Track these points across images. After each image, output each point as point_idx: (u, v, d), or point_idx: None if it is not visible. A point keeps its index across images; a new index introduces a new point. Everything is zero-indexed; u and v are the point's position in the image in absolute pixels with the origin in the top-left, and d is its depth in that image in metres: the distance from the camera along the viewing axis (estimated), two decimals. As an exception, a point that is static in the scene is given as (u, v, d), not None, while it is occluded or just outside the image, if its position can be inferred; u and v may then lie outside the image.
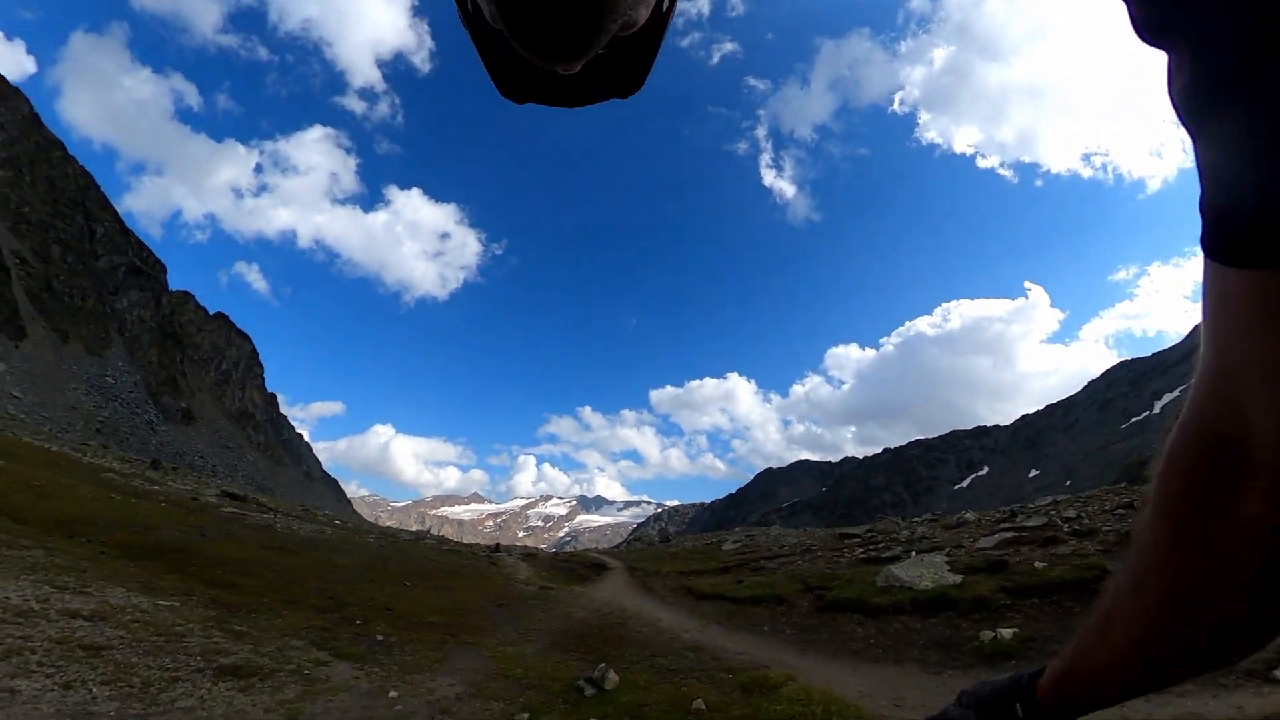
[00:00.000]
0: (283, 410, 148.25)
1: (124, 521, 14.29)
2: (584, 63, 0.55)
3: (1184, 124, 0.40)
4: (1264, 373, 0.38)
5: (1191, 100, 0.38)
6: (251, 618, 8.77)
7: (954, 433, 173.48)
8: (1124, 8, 0.38)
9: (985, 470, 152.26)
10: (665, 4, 0.61)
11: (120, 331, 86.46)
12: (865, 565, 15.33)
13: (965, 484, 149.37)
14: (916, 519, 25.69)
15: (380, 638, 8.77)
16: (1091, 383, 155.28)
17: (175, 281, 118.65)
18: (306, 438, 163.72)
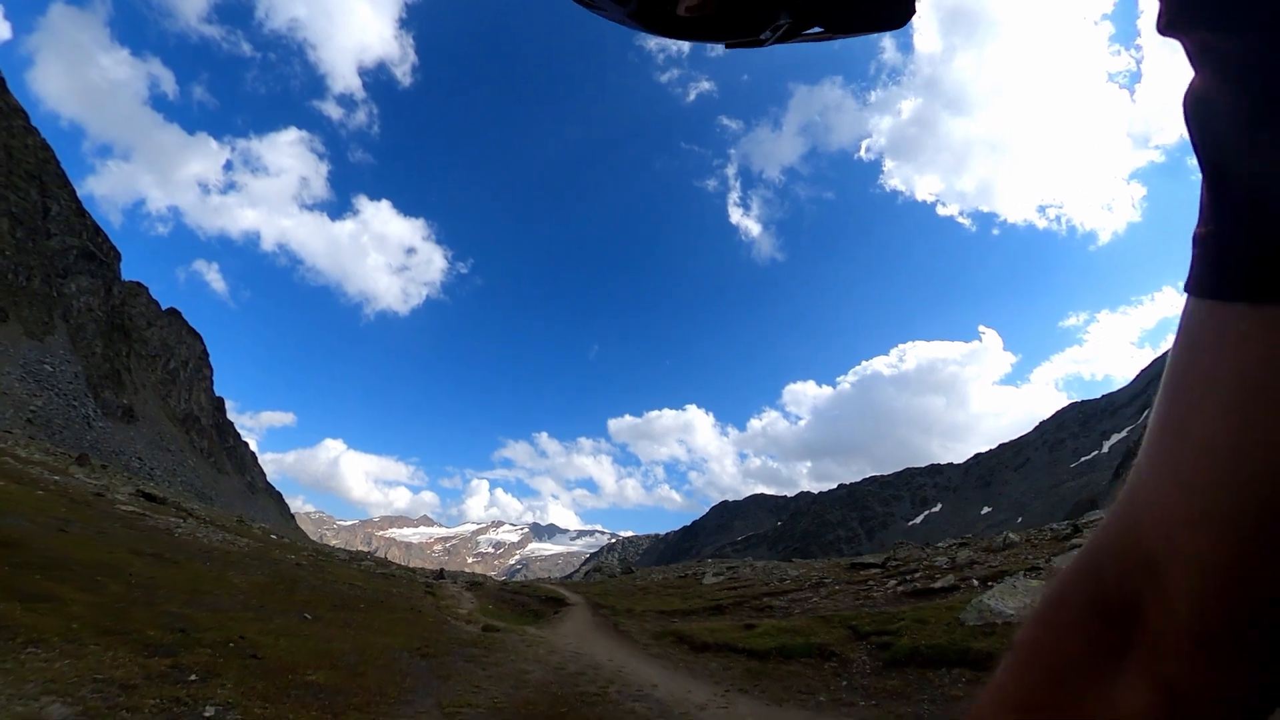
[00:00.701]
0: (230, 417, 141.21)
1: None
2: None
3: (1200, 130, 0.33)
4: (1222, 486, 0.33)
5: (1232, 105, 0.33)
6: (28, 652, 5.68)
7: (908, 470, 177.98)
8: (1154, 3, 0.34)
9: (939, 507, 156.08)
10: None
11: (65, 318, 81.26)
12: (919, 600, 12.79)
13: (919, 520, 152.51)
14: (941, 544, 23.10)
15: (209, 712, 5.30)
16: (1042, 423, 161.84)
17: (129, 272, 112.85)
18: (254, 447, 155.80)
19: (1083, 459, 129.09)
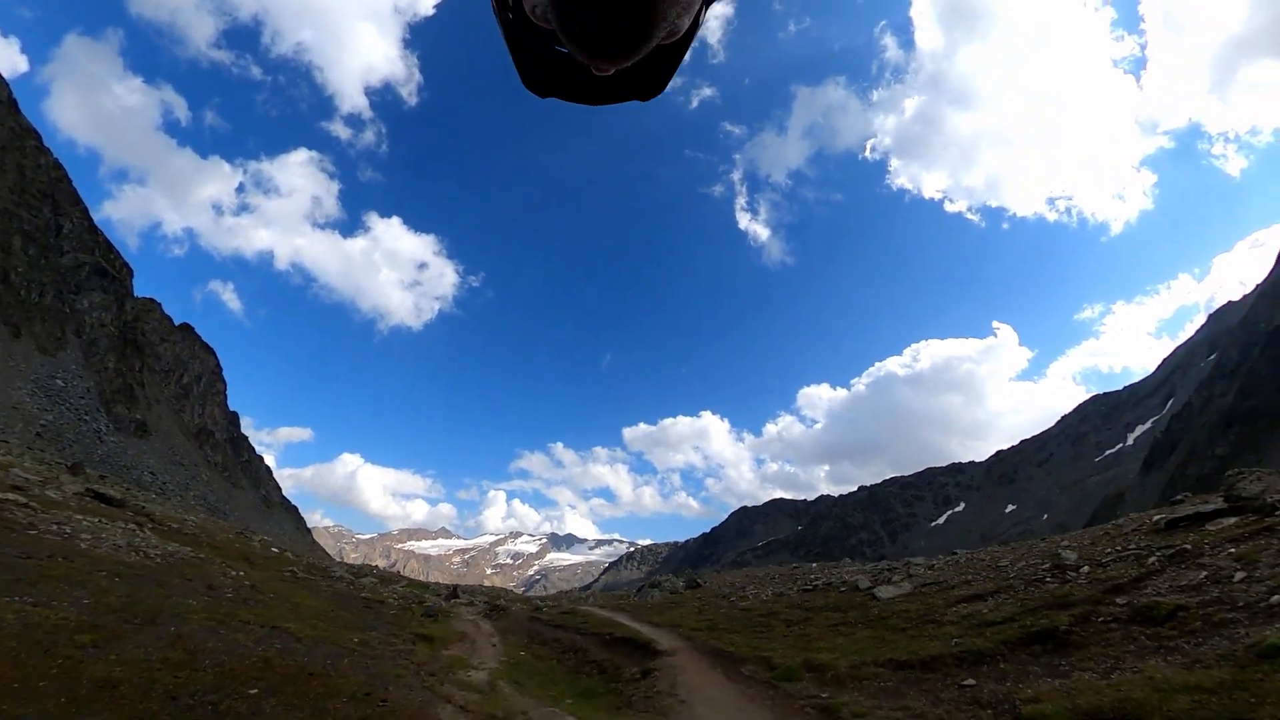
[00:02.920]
0: (246, 432, 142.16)
1: None
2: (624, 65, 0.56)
3: None
4: None
5: None
6: None
7: (929, 470, 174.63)
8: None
9: (962, 506, 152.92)
10: (702, 16, 0.62)
11: (77, 333, 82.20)
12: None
13: (942, 520, 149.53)
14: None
15: None
16: (1065, 417, 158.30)
17: (145, 291, 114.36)
18: (271, 462, 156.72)
19: (1107, 452, 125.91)
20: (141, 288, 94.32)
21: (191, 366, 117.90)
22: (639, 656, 14.17)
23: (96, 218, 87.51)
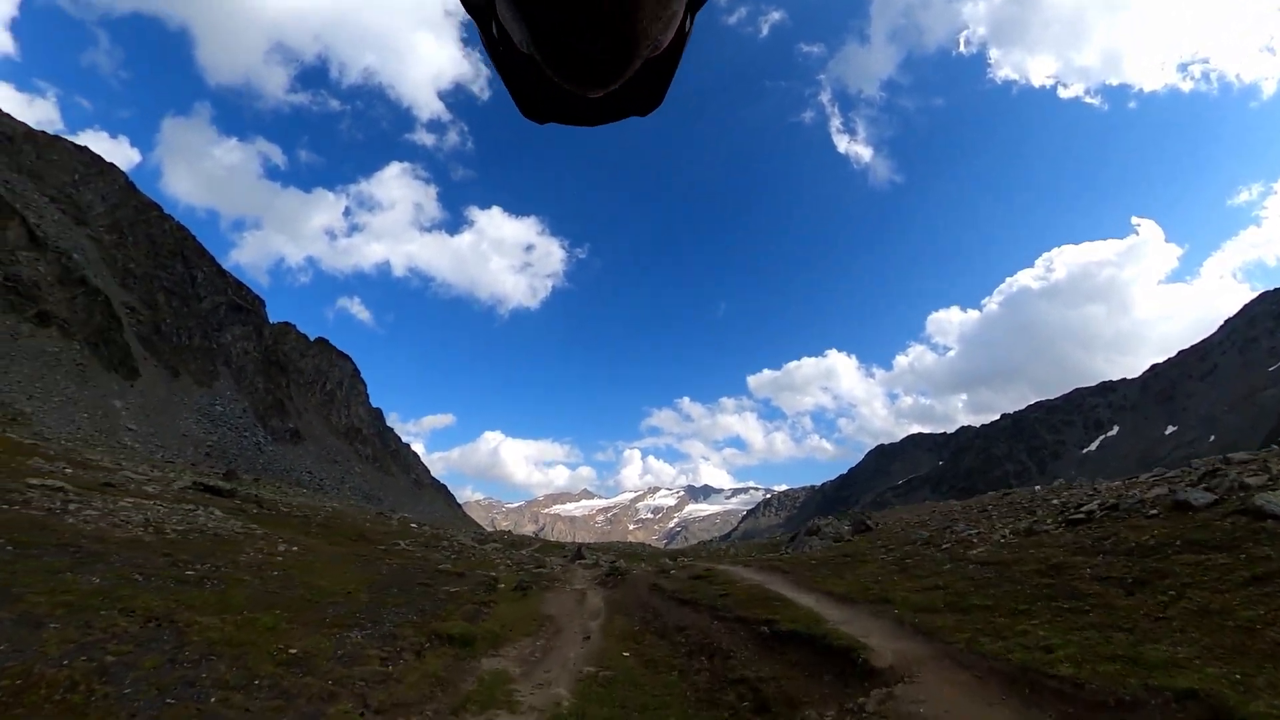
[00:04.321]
0: (393, 425, 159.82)
1: None
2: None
3: None
4: None
5: None
6: None
7: (1077, 391, 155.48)
8: None
9: (1115, 430, 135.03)
10: (687, 24, 0.62)
11: (226, 364, 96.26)
12: None
13: (1094, 446, 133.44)
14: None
15: None
16: (1229, 321, 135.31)
17: (281, 317, 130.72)
18: (420, 449, 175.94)
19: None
20: (277, 315, 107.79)
21: (332, 374, 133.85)
22: (836, 676, 7.85)
23: (226, 265, 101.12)
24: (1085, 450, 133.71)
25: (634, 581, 19.59)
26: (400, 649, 9.82)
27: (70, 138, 78.30)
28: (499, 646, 11.39)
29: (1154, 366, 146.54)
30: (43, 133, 70.49)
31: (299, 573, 13.72)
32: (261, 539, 17.73)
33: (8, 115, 67.72)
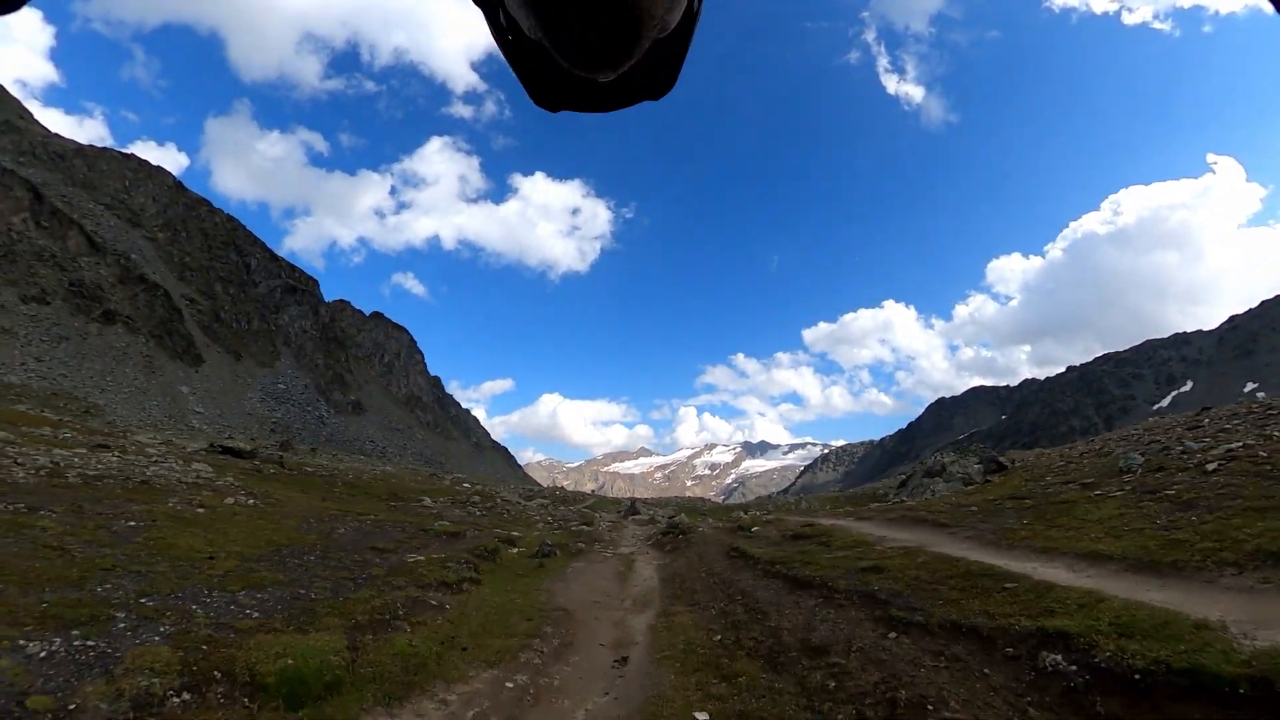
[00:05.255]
0: (453, 392, 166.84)
1: None
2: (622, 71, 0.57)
3: None
4: None
5: None
6: None
7: (1149, 343, 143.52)
8: None
9: (1189, 385, 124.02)
10: (695, 4, 0.62)
11: (286, 343, 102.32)
12: None
13: (1166, 402, 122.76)
14: None
15: None
16: None
17: (339, 296, 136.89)
18: (481, 414, 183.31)
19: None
20: (334, 295, 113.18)
21: (389, 346, 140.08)
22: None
23: (280, 253, 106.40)
24: (1156, 406, 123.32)
25: (702, 543, 15.40)
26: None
27: (119, 149, 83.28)
28: (406, 697, 5.90)
29: (1233, 318, 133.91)
30: (90, 146, 75.52)
31: (195, 528, 10.67)
32: (222, 490, 15.53)
33: (57, 135, 72.86)
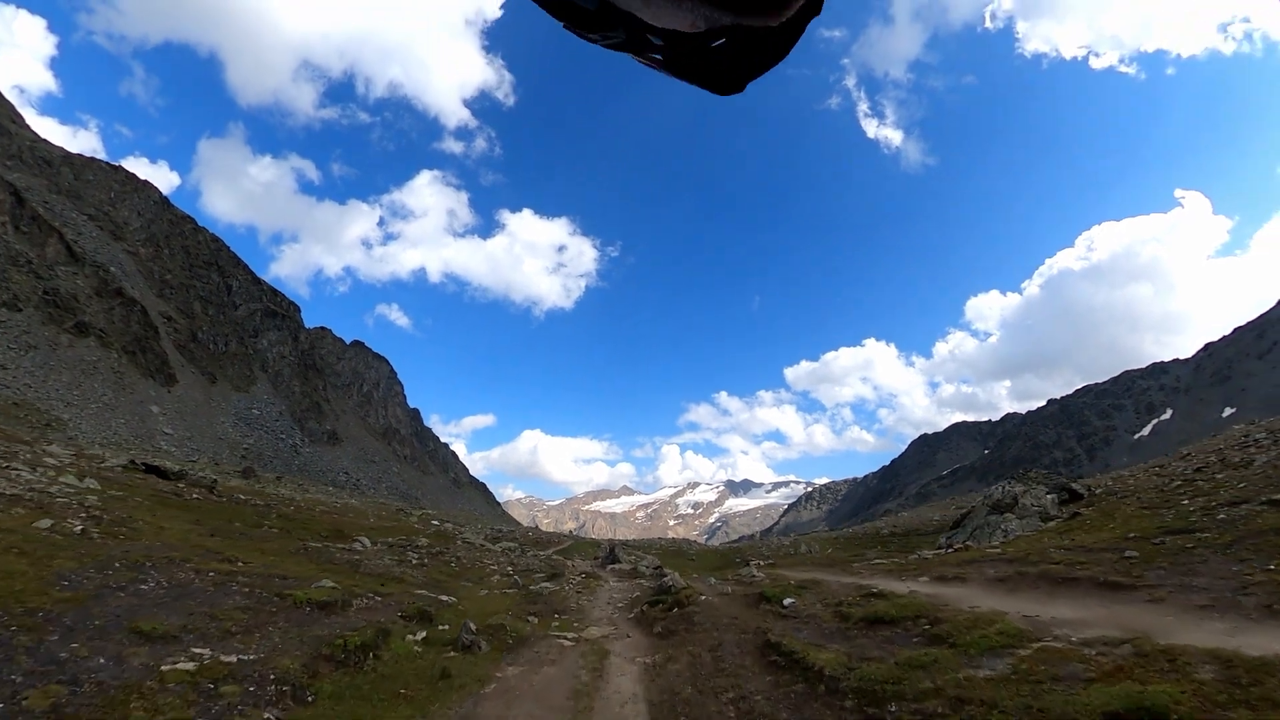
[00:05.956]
0: (433, 426, 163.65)
1: None
2: (780, 17, 0.53)
3: None
4: None
5: None
6: None
7: (1126, 374, 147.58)
8: None
9: (1169, 413, 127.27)
10: (802, 23, 0.60)
11: (263, 368, 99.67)
12: None
13: (1147, 431, 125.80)
14: None
15: None
16: None
17: (323, 325, 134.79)
18: (461, 449, 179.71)
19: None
20: (318, 323, 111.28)
21: (368, 376, 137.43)
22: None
23: (266, 278, 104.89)
24: (1137, 435, 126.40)
25: (710, 621, 10.78)
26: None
27: (108, 161, 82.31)
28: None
29: (1208, 345, 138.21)
30: (80, 155, 74.54)
31: None
32: (62, 511, 12.29)
33: (45, 141, 71.85)
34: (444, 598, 13.27)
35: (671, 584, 14.60)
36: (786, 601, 11.22)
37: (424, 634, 10.03)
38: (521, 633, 10.92)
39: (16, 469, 17.05)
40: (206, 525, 16.23)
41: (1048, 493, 20.46)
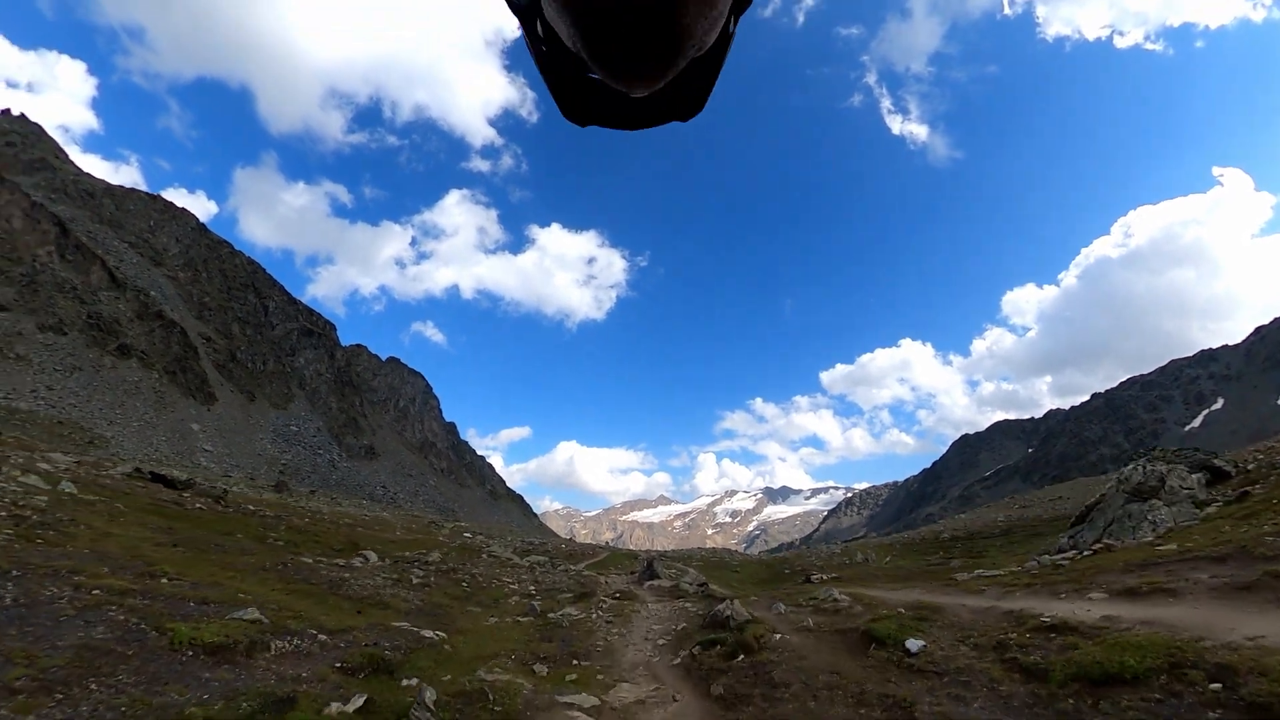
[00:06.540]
0: (473, 440, 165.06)
1: None
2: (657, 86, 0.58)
3: None
4: None
5: None
6: None
7: (1173, 363, 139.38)
8: None
9: (1219, 403, 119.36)
10: (731, 26, 0.62)
11: (300, 386, 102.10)
12: None
13: (1197, 422, 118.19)
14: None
15: None
16: None
17: (359, 343, 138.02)
18: (498, 461, 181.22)
19: None
20: (355, 341, 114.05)
21: (404, 391, 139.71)
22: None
23: (303, 299, 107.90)
24: (1188, 427, 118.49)
25: (796, 676, 7.28)
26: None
27: (147, 191, 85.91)
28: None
29: (1259, 329, 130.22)
30: (120, 187, 78.08)
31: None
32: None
33: (88, 174, 75.56)
34: (429, 634, 10.32)
35: (730, 615, 10.84)
36: (911, 645, 7.44)
37: (360, 702, 6.23)
38: (513, 703, 7.11)
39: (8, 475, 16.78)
40: (179, 535, 14.48)
41: (1190, 472, 16.91)
